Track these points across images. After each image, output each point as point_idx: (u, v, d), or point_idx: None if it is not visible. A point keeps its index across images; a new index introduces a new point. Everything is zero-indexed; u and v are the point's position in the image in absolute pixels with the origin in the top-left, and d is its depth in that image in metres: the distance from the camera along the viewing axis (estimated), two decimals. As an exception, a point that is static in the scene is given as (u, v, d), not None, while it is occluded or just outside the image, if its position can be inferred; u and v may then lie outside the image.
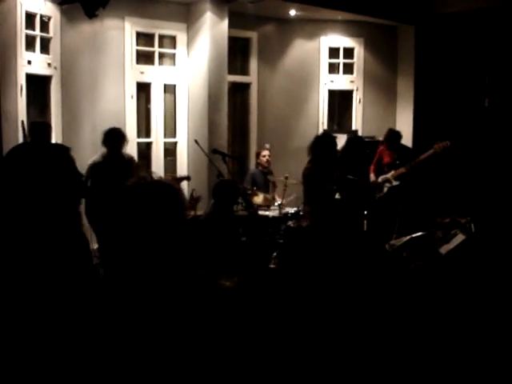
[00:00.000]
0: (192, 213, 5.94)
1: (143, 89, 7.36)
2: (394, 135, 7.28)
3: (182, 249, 1.74)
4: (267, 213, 6.53)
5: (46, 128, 5.10)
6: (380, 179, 7.18)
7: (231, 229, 5.15)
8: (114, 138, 5.71)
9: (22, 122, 5.43)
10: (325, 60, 8.80)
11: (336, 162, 5.91)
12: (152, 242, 1.70)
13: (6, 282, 3.75)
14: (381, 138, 7.83)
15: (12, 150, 4.82)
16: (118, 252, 1.75)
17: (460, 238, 5.36)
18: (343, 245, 5.40)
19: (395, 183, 7.10)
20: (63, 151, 4.97)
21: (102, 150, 5.73)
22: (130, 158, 5.97)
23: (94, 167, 5.72)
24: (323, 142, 5.83)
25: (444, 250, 5.33)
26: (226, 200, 5.13)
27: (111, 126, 5.81)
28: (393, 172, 7.12)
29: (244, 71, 8.43)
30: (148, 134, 7.43)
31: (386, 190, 7.14)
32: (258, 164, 7.45)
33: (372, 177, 7.28)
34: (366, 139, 8.12)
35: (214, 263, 4.61)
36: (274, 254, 5.60)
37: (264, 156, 7.31)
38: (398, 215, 6.67)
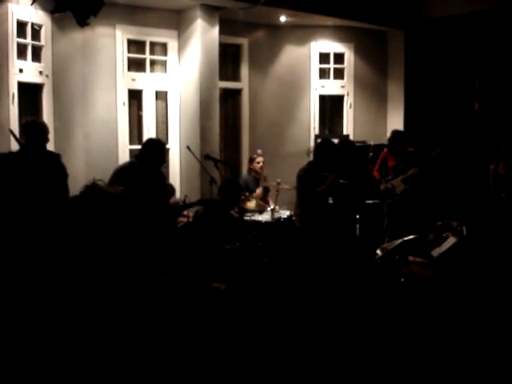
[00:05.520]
0: (185, 219, 5.93)
1: (135, 96, 7.37)
2: (399, 137, 7.05)
3: (132, 256, 1.76)
4: (260, 218, 6.55)
5: (41, 128, 4.96)
6: (390, 184, 6.88)
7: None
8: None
9: (10, 130, 5.34)
10: (315, 65, 8.84)
11: (332, 167, 5.97)
12: (101, 250, 1.72)
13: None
14: (372, 142, 7.81)
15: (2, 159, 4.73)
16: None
17: (451, 240, 5.39)
18: (333, 248, 5.42)
19: (404, 187, 6.84)
20: (55, 159, 4.93)
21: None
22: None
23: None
24: (323, 147, 6.08)
25: (436, 252, 5.36)
26: (232, 198, 5.40)
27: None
28: (401, 176, 6.86)
29: (235, 77, 8.46)
30: (140, 141, 7.39)
31: (396, 196, 6.82)
32: (250, 169, 7.41)
33: (382, 183, 6.94)
34: (358, 144, 8.10)
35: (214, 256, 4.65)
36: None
37: (258, 162, 7.26)
38: (390, 218, 6.64)
